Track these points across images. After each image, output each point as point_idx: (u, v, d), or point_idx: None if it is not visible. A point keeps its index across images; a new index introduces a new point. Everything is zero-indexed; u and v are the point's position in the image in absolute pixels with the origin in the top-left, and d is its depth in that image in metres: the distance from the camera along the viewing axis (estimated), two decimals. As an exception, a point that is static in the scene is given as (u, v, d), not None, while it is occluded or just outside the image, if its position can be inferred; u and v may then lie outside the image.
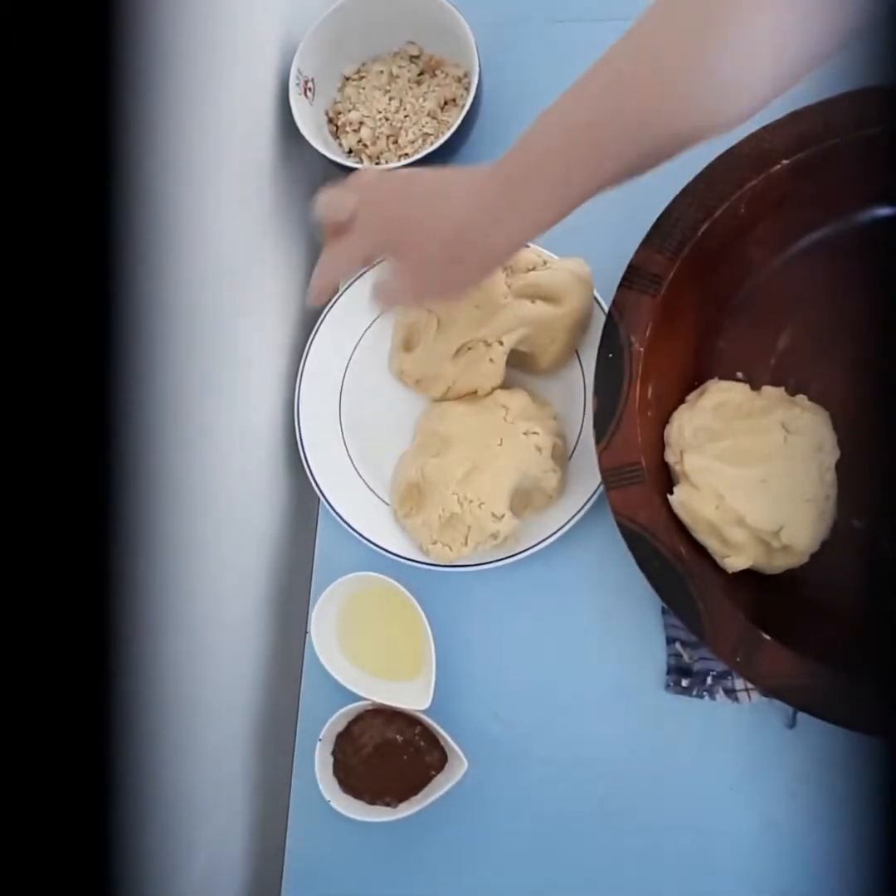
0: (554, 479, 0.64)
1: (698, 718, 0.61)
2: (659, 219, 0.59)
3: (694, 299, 0.61)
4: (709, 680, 0.61)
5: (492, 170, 0.54)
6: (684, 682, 0.61)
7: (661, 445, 0.59)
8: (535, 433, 0.63)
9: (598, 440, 0.58)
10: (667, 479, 0.59)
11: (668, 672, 0.62)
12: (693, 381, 0.63)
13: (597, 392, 0.59)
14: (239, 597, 0.66)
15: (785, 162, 0.58)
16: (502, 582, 0.66)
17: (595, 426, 0.58)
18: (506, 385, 0.67)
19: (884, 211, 0.61)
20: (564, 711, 0.63)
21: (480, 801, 0.62)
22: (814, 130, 0.58)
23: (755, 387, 0.61)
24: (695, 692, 0.61)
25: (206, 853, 0.60)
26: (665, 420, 0.61)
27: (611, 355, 0.59)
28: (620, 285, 0.59)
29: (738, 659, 0.53)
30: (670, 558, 0.55)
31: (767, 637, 0.53)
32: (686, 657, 0.61)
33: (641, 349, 0.58)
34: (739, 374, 0.63)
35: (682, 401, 0.62)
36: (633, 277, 0.59)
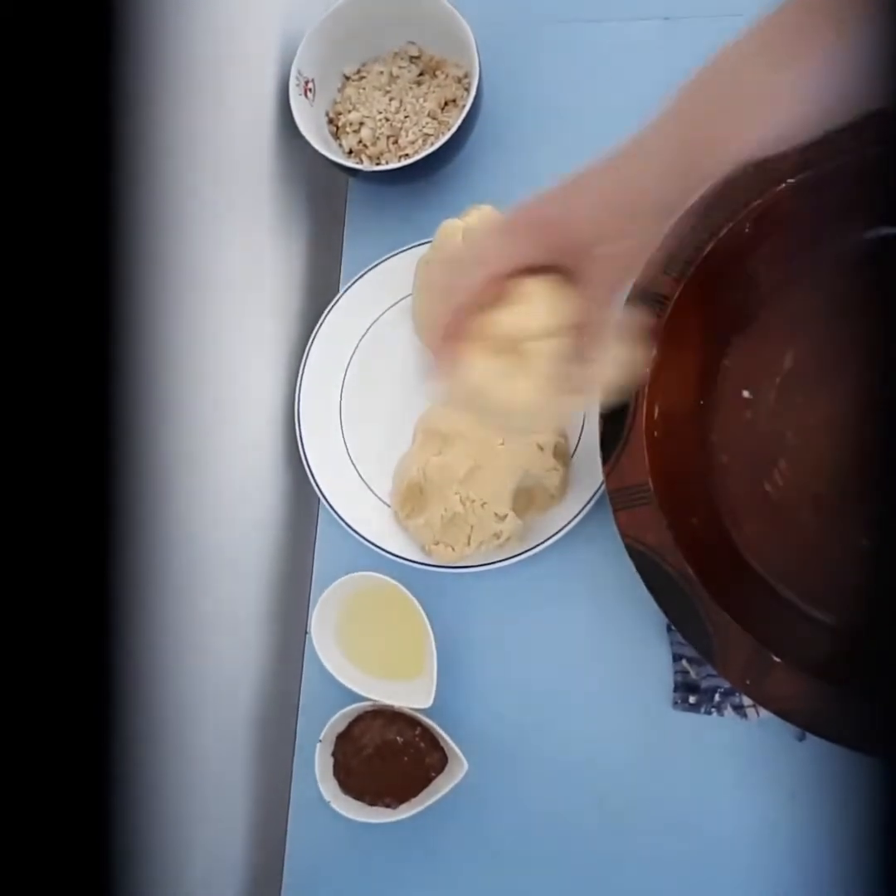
0: (556, 477, 0.64)
1: (702, 724, 0.61)
2: (664, 239, 0.59)
3: (699, 319, 0.61)
4: (717, 697, 0.61)
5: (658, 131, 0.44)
6: (692, 699, 0.61)
7: (667, 467, 0.59)
8: (536, 432, 0.63)
9: (604, 461, 0.58)
10: (674, 501, 0.58)
11: (676, 689, 0.61)
12: (699, 400, 0.63)
13: (603, 413, 0.59)
14: (239, 596, 0.66)
15: (790, 180, 0.58)
16: (505, 582, 0.66)
17: (601, 447, 0.58)
18: None
19: (892, 229, 0.61)
20: (565, 713, 0.63)
21: (480, 802, 0.62)
22: (818, 150, 0.57)
23: (762, 405, 0.62)
24: (703, 709, 0.61)
25: (205, 853, 0.60)
26: (671, 440, 0.60)
27: None
28: (626, 305, 0.59)
29: (747, 681, 0.53)
30: (679, 580, 0.55)
31: (777, 659, 0.52)
32: (693, 674, 0.61)
33: (648, 370, 0.58)
34: (745, 393, 0.63)
35: (689, 419, 0.62)
36: (639, 298, 0.59)
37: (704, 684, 0.61)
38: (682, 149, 0.43)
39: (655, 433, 0.58)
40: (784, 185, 0.58)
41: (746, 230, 0.59)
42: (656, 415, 0.59)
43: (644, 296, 0.59)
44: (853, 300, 0.61)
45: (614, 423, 0.58)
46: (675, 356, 0.60)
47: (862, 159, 0.57)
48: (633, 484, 0.57)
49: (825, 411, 0.61)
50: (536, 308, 0.42)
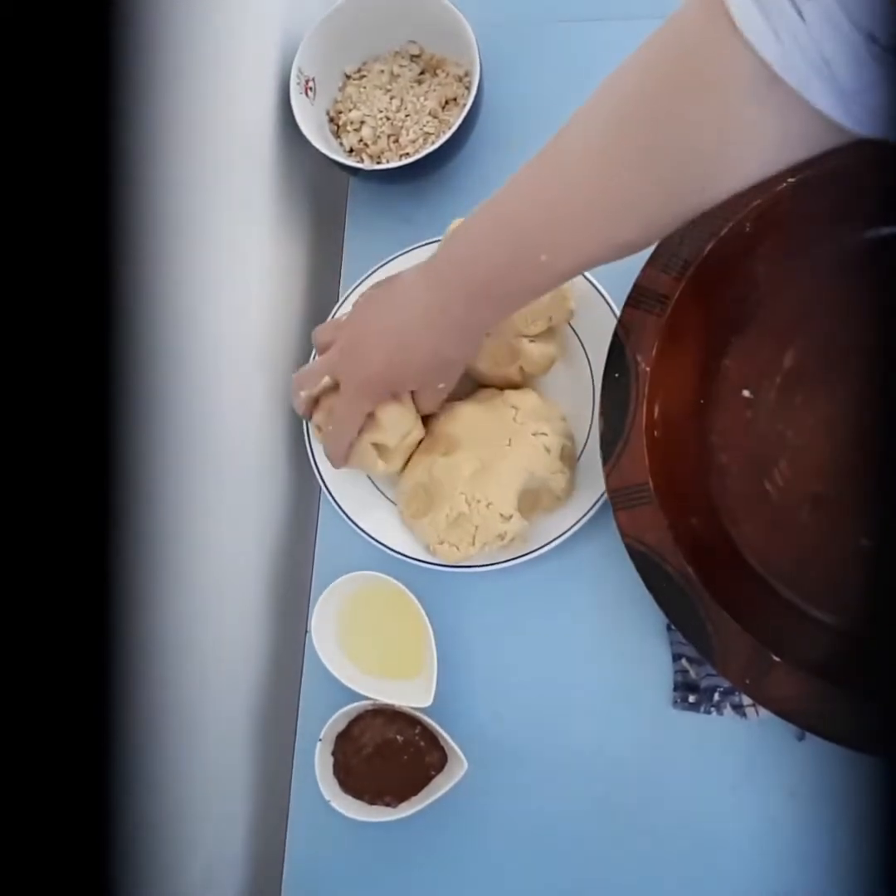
0: (562, 480, 0.63)
1: (702, 723, 0.61)
2: (664, 238, 0.59)
3: (700, 318, 0.61)
4: (716, 696, 0.61)
5: (427, 282, 0.56)
6: (691, 699, 0.61)
7: (667, 467, 0.59)
8: (543, 434, 0.63)
9: (605, 460, 0.58)
10: (674, 501, 0.58)
11: (675, 688, 0.61)
12: (699, 399, 0.63)
13: (603, 412, 0.59)
14: (239, 596, 0.66)
15: (790, 180, 0.58)
16: (506, 582, 0.66)
17: (602, 447, 0.58)
18: (516, 385, 0.67)
19: (892, 229, 0.61)
20: (566, 712, 0.63)
21: (480, 801, 0.62)
22: None
23: (762, 405, 0.61)
24: (702, 708, 0.61)
25: (205, 853, 0.60)
26: (671, 439, 0.60)
27: (617, 375, 0.59)
28: (626, 305, 0.59)
29: (747, 681, 0.53)
30: (679, 580, 0.55)
31: (777, 659, 0.52)
32: (692, 673, 0.61)
33: (648, 369, 0.58)
34: (746, 392, 0.62)
35: (689, 419, 0.62)
36: (640, 297, 0.59)
37: (704, 684, 0.61)
38: (459, 317, 0.56)
39: (655, 433, 0.58)
40: (785, 183, 0.58)
41: (747, 229, 0.59)
42: (656, 414, 0.59)
43: (644, 295, 0.59)
44: (853, 300, 0.61)
45: (614, 422, 0.58)
46: (674, 356, 0.60)
47: (863, 158, 0.57)
48: (634, 484, 0.57)
49: (825, 411, 0.61)
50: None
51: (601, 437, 0.58)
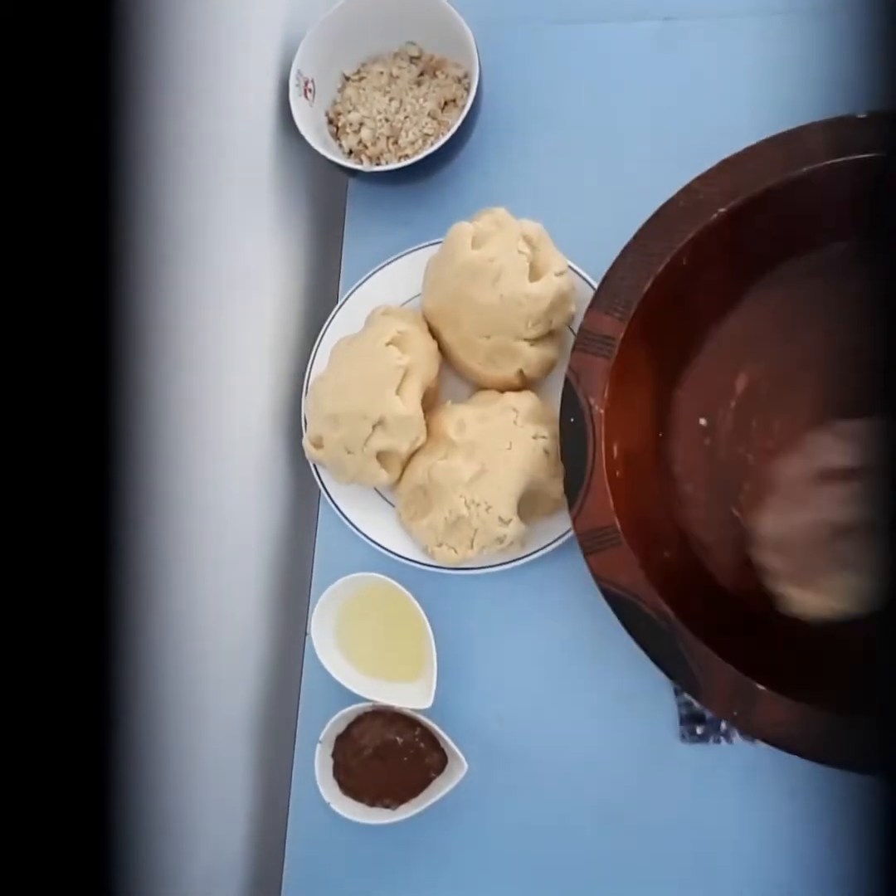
0: (561, 483, 0.63)
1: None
2: (603, 279, 0.59)
3: (648, 354, 0.61)
4: (723, 725, 0.60)
5: None
6: (699, 730, 0.60)
7: (633, 504, 0.58)
8: (543, 437, 0.63)
9: (570, 506, 0.58)
10: (643, 538, 0.58)
11: (682, 722, 0.61)
12: (657, 432, 0.63)
13: (563, 457, 0.59)
14: (238, 597, 0.66)
15: (721, 210, 0.58)
16: (506, 584, 0.66)
17: (566, 492, 0.58)
18: (515, 387, 0.67)
19: (838, 245, 0.61)
20: (566, 714, 0.63)
21: (480, 803, 0.62)
22: (746, 176, 0.58)
23: (720, 431, 0.62)
24: (711, 739, 0.60)
25: (206, 853, 0.60)
26: (634, 477, 0.59)
27: (572, 419, 0.59)
28: (574, 349, 0.59)
29: (735, 712, 0.52)
30: (656, 618, 0.54)
31: (762, 688, 0.52)
32: (696, 704, 0.60)
33: (602, 411, 0.58)
34: (702, 421, 0.62)
35: (649, 454, 0.62)
36: (586, 341, 0.59)
37: (709, 713, 0.60)
38: None
39: (617, 472, 0.58)
40: (716, 214, 0.58)
41: (684, 263, 0.59)
42: (616, 454, 0.58)
43: (590, 338, 0.59)
44: (798, 319, 0.61)
45: (575, 466, 0.58)
46: (627, 394, 0.59)
47: (791, 181, 0.57)
48: (601, 526, 0.57)
49: (782, 431, 0.61)
50: None
51: (564, 482, 0.58)
